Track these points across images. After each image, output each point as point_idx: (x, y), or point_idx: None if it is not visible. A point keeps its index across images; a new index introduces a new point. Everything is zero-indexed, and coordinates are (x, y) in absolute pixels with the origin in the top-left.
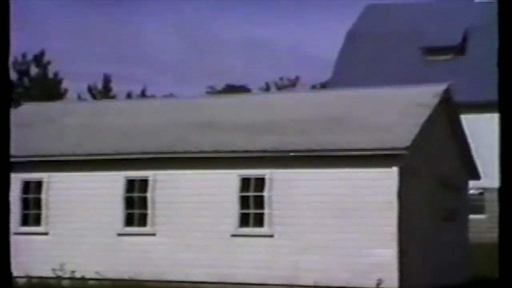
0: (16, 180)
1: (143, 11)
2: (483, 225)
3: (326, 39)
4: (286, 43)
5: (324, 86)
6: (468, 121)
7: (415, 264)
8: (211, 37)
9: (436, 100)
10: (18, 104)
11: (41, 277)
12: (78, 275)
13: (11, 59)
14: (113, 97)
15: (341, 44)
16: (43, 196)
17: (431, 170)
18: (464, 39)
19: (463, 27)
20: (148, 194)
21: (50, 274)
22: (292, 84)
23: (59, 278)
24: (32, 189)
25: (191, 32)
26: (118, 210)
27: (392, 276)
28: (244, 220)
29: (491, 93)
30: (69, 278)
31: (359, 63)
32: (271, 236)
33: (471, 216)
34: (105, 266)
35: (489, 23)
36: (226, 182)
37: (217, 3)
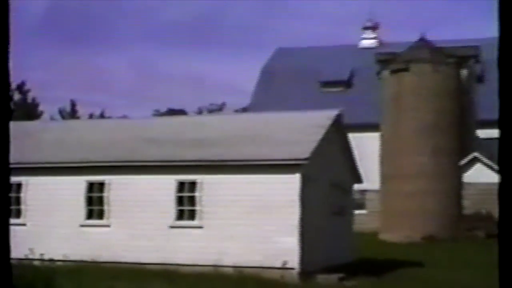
0: None
1: (105, 49)
2: (364, 218)
3: (245, 74)
4: (215, 76)
5: (245, 110)
6: (354, 138)
7: (312, 249)
8: (157, 70)
9: (329, 122)
10: None
11: (17, 259)
12: (46, 257)
13: None
14: (78, 118)
15: (257, 78)
16: (22, 195)
17: (325, 176)
18: (351, 76)
19: (350, 66)
20: (105, 194)
21: (23, 256)
22: (220, 108)
23: (30, 260)
24: (14, 190)
25: (141, 66)
26: (81, 207)
27: (294, 259)
28: (180, 215)
29: (372, 117)
30: (39, 260)
31: (271, 92)
32: (201, 227)
33: (356, 212)
34: (69, 250)
35: (370, 64)
36: (166, 185)
37: (162, 43)
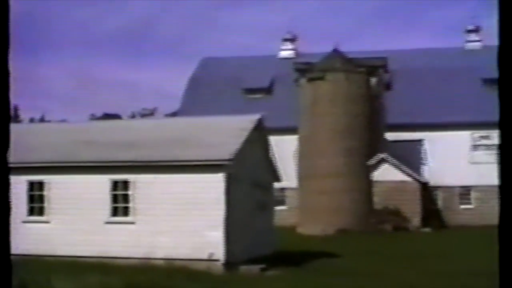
0: None
1: (47, 57)
2: (284, 214)
3: (175, 81)
4: (147, 83)
5: (174, 114)
6: (274, 140)
7: (236, 241)
8: (94, 77)
9: (251, 126)
10: None
11: None
12: None
13: None
14: (20, 121)
15: (186, 85)
16: None
17: (248, 175)
18: (272, 83)
19: (271, 74)
20: (45, 193)
21: None
22: (151, 113)
23: None
24: None
25: (79, 73)
26: (23, 203)
27: (219, 251)
28: (114, 212)
29: (291, 121)
30: None
31: (199, 98)
32: (134, 223)
33: (276, 208)
34: (12, 245)
35: (289, 72)
36: (102, 184)
37: (99, 52)
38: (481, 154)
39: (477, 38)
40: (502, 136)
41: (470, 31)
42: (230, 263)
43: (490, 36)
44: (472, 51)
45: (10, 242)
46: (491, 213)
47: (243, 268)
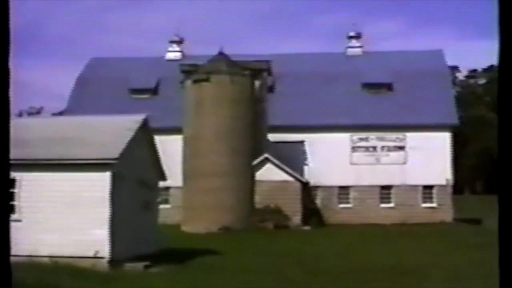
0: None
1: None
2: (169, 212)
3: (62, 81)
4: (34, 82)
5: (61, 113)
6: (159, 140)
7: (122, 240)
8: None
9: (137, 126)
10: None
11: None
12: None
13: None
14: None
15: (73, 85)
16: None
17: (134, 174)
18: (158, 84)
19: (157, 75)
20: None
21: None
22: (38, 111)
23: None
24: None
25: None
26: None
27: (105, 249)
28: None
29: (176, 122)
30: None
31: (86, 98)
32: (20, 221)
33: (160, 206)
34: None
35: (175, 74)
36: None
37: None
38: (359, 156)
39: (358, 44)
40: (502, 136)
41: (351, 37)
42: (115, 260)
43: (370, 42)
44: (353, 56)
45: (10, 243)
46: (368, 212)
47: (128, 266)
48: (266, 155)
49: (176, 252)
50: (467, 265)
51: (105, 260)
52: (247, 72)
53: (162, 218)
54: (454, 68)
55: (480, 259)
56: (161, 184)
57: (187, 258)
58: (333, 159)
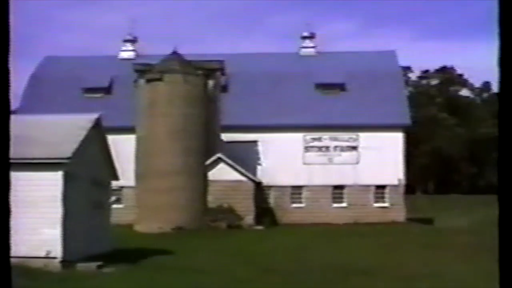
0: None
1: None
2: (121, 212)
3: (15, 79)
4: None
5: (14, 112)
6: (112, 140)
7: (74, 239)
8: None
9: (90, 125)
10: None
11: None
12: None
13: None
14: None
15: (26, 83)
16: None
17: (86, 173)
18: (111, 83)
19: (110, 74)
20: None
21: None
22: None
23: None
24: None
25: None
26: None
27: (57, 249)
28: None
29: (129, 121)
30: None
31: (39, 97)
32: None
33: (113, 206)
34: None
35: (129, 73)
36: None
37: None
38: (312, 155)
39: (311, 44)
40: (502, 136)
41: (305, 37)
42: (67, 260)
43: (324, 42)
44: (306, 56)
45: (9, 243)
46: (321, 212)
47: (80, 266)
48: (219, 154)
49: (129, 252)
50: (418, 265)
51: (57, 260)
52: (200, 71)
53: (114, 218)
54: (407, 69)
55: (431, 259)
56: (114, 183)
57: (140, 258)
58: (286, 159)
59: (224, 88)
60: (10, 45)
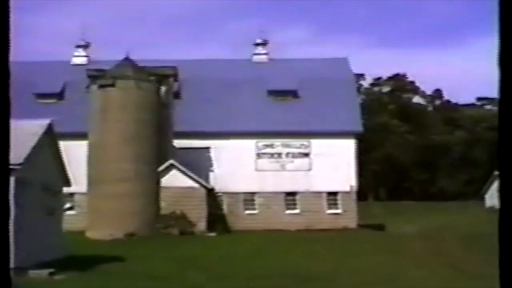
0: None
1: None
2: (73, 218)
3: None
4: None
5: None
6: (64, 145)
7: (26, 246)
8: None
9: (42, 131)
10: None
11: None
12: None
13: None
14: None
15: None
16: None
17: (38, 179)
18: (64, 89)
19: (62, 80)
20: None
21: None
22: None
23: None
24: None
25: None
26: None
27: None
28: None
29: (81, 127)
30: None
31: None
32: None
33: (65, 212)
34: None
35: (81, 79)
36: None
37: None
38: (265, 162)
39: (264, 51)
40: (502, 136)
41: (258, 44)
42: (18, 268)
43: (277, 49)
44: (259, 63)
45: (9, 244)
46: (273, 218)
47: (32, 273)
48: (171, 161)
49: (80, 259)
50: (369, 270)
51: None
52: (153, 77)
53: (66, 224)
54: (359, 76)
55: (383, 264)
56: (66, 190)
57: (92, 264)
58: (238, 166)
59: (177, 95)
60: (10, 46)
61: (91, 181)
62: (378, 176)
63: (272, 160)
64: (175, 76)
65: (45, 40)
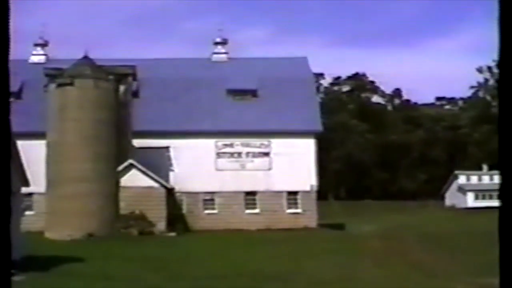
0: None
1: None
2: (32, 218)
3: None
4: None
5: None
6: (22, 145)
7: None
8: None
9: None
10: None
11: None
12: None
13: None
14: None
15: None
16: None
17: None
18: (21, 88)
19: (20, 79)
20: None
21: None
22: None
23: None
24: None
25: None
26: None
27: None
28: None
29: (39, 126)
30: None
31: None
32: None
33: (23, 213)
34: None
35: (39, 78)
36: None
37: None
38: (224, 162)
39: (223, 50)
40: (502, 136)
41: (217, 43)
42: None
43: (236, 48)
44: (218, 62)
45: (10, 243)
46: (233, 218)
47: None
48: (130, 160)
49: (39, 260)
50: (331, 270)
51: None
52: (111, 76)
53: (25, 225)
54: (319, 75)
55: (344, 264)
56: (24, 190)
57: (50, 265)
58: (198, 165)
59: (136, 94)
60: (10, 46)
61: (49, 181)
62: (338, 175)
63: (232, 159)
64: (134, 75)
65: None
